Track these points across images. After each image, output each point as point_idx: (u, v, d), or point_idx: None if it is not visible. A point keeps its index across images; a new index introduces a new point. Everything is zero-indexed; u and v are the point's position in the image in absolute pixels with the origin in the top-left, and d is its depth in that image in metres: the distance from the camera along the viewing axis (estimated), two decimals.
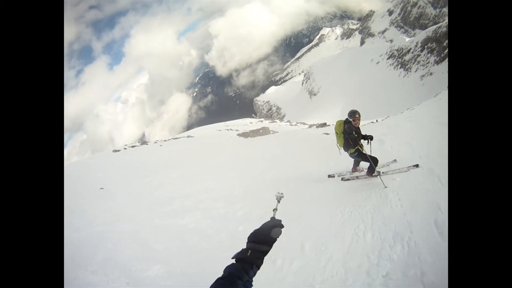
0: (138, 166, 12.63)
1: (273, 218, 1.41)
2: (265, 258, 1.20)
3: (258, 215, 5.19)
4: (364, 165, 5.96)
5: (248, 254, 1.18)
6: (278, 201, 1.79)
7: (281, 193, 1.89)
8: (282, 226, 1.30)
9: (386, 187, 4.87)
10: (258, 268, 1.18)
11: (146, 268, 3.87)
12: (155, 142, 22.46)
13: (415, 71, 63.18)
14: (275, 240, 1.25)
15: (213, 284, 1.04)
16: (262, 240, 1.23)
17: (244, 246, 1.23)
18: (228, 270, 1.10)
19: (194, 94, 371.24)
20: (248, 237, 1.26)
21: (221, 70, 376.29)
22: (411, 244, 3.20)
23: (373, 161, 5.41)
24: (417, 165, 5.32)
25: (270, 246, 1.23)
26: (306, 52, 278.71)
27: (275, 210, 1.62)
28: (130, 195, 8.15)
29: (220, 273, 1.10)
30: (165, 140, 23.59)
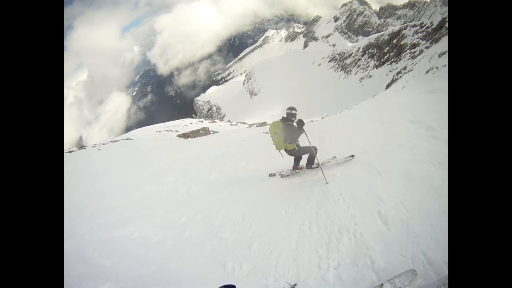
0: (76, 175, 11.25)
1: None
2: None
3: (202, 220, 5.07)
4: (304, 162, 6.11)
5: None
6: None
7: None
8: None
9: (327, 183, 4.99)
10: None
11: None
12: (93, 146, 20.51)
13: (355, 74, 67.70)
14: None
15: None
16: None
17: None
18: None
19: (134, 94, 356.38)
20: None
21: (163, 69, 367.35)
22: (357, 235, 3.32)
23: (313, 150, 5.46)
24: (352, 156, 5.59)
25: None
26: (249, 52, 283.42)
27: None
28: (68, 209, 7.23)
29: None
30: (104, 144, 21.94)
